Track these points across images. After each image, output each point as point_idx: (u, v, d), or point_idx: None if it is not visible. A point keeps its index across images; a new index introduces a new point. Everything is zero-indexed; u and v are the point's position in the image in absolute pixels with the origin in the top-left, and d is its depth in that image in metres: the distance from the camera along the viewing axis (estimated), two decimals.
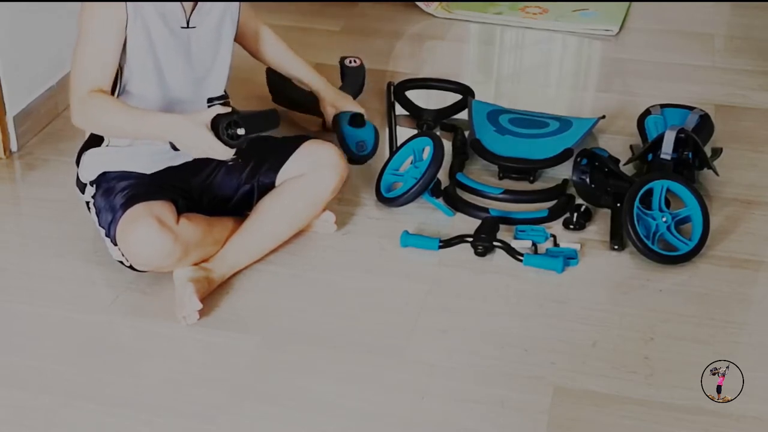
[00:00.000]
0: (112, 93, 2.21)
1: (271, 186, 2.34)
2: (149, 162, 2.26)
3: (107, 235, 2.21)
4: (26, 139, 2.83)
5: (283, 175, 2.35)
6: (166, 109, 2.22)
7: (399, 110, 3.05)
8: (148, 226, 2.10)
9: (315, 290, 2.26)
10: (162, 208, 2.16)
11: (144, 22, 2.16)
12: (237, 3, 2.35)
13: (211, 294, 2.20)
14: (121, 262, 2.22)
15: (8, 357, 2.05)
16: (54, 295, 2.24)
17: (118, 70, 2.19)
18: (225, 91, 2.38)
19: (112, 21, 2.14)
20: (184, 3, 2.20)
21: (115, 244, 2.19)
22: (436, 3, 3.95)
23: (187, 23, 2.22)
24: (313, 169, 2.33)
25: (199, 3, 2.23)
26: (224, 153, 2.10)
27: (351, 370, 2.02)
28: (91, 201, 2.27)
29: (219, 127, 2.06)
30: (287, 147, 2.37)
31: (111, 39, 2.14)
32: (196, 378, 2.00)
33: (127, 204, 2.16)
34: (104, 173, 2.25)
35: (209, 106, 2.26)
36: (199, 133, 2.07)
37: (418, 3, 3.92)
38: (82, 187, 2.31)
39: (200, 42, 2.26)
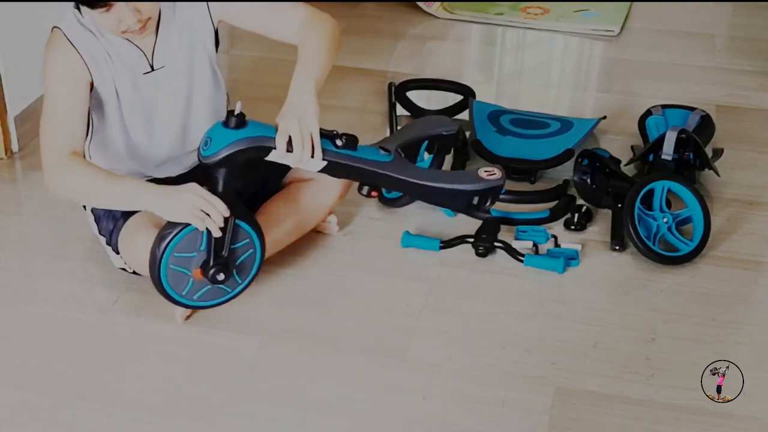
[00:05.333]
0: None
1: (276, 192, 2.34)
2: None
3: (108, 243, 2.21)
4: (27, 140, 2.83)
5: (288, 180, 2.34)
6: (142, 156, 2.19)
7: (400, 111, 3.05)
8: (150, 235, 2.09)
9: (316, 290, 2.26)
10: None
11: (108, 71, 2.08)
12: (208, 30, 2.19)
13: None
14: (124, 269, 2.22)
15: (9, 357, 2.05)
16: (55, 295, 2.23)
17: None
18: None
19: (75, 81, 2.05)
20: (140, 44, 2.08)
21: (117, 253, 2.19)
22: (437, 3, 3.95)
23: (152, 66, 2.13)
24: (320, 175, 2.31)
25: (161, 37, 2.11)
26: (215, 204, 1.98)
27: (352, 370, 2.02)
28: (88, 206, 2.26)
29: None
30: None
31: (77, 99, 2.06)
32: (196, 378, 2.00)
33: (129, 212, 2.15)
34: None
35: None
36: (179, 195, 1.97)
37: (419, 3, 3.92)
38: None
39: (171, 83, 2.15)
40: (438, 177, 2.26)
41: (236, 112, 1.97)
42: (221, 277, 2.03)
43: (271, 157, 2.00)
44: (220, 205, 1.97)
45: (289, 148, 1.97)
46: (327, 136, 2.03)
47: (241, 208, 2.05)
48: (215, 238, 2.00)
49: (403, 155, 2.19)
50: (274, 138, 1.98)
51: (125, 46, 2.09)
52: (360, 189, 2.16)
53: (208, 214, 1.96)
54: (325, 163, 2.02)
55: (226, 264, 2.04)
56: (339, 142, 2.04)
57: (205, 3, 2.16)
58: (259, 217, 2.29)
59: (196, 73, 2.19)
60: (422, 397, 1.95)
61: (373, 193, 2.16)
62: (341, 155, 2.04)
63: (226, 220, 1.99)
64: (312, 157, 2.00)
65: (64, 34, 2.05)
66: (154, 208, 1.99)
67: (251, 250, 2.09)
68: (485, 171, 2.19)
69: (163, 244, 1.99)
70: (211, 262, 2.02)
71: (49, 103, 2.07)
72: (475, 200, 2.24)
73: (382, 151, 2.12)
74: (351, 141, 2.05)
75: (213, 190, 2.00)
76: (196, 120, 2.23)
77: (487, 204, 2.19)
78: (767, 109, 3.18)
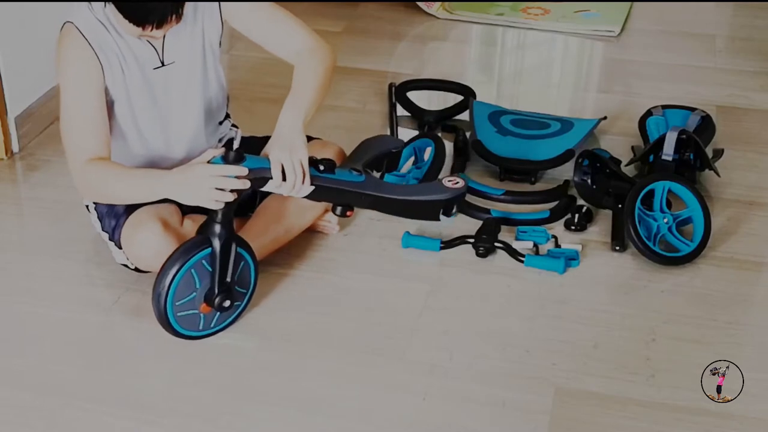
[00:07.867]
0: None
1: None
2: None
3: (111, 239, 2.21)
4: (28, 140, 2.83)
5: None
6: (156, 150, 2.20)
7: (401, 111, 3.05)
8: (152, 230, 2.09)
9: (316, 291, 2.26)
10: (166, 210, 2.15)
11: (119, 67, 2.08)
12: (216, 28, 2.19)
13: None
14: (126, 265, 2.22)
15: (9, 357, 2.05)
16: (55, 295, 2.23)
17: None
18: (228, 113, 2.38)
19: (90, 78, 2.05)
20: (151, 39, 2.08)
21: (120, 248, 2.19)
22: (438, 4, 3.95)
23: (162, 62, 2.13)
24: None
25: (170, 33, 2.08)
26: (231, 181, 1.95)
27: (352, 370, 2.02)
28: (91, 205, 2.26)
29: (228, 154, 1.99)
30: None
31: (96, 101, 2.05)
32: (196, 378, 2.00)
33: (131, 208, 2.15)
34: None
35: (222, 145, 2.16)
36: (194, 175, 1.95)
37: (420, 4, 3.92)
38: None
39: (181, 79, 2.16)
40: (410, 191, 2.32)
41: (235, 147, 1.98)
42: (227, 303, 2.06)
43: (267, 187, 2.03)
44: (233, 170, 1.95)
45: (283, 177, 2.01)
46: (309, 162, 2.07)
47: (234, 234, 2.08)
48: (219, 268, 2.02)
49: (372, 173, 2.27)
50: (269, 169, 2.00)
51: (136, 42, 2.09)
52: (334, 210, 2.19)
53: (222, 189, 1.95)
54: (313, 188, 2.06)
55: (229, 288, 2.06)
56: (321, 167, 2.09)
57: (216, 3, 2.17)
58: (257, 216, 2.30)
59: (208, 70, 2.20)
60: (422, 397, 1.95)
61: (348, 213, 2.20)
62: (324, 179, 2.09)
63: (228, 250, 2.02)
64: (303, 183, 2.03)
65: (77, 28, 2.05)
66: (177, 198, 2.00)
67: (242, 262, 2.10)
68: (449, 180, 2.29)
69: (162, 300, 2.01)
70: (216, 292, 2.04)
71: (66, 105, 2.08)
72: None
73: (354, 172, 2.18)
74: (330, 165, 2.11)
75: (212, 221, 2.01)
76: (209, 116, 2.25)
77: (453, 211, 2.31)
78: (767, 110, 3.18)
